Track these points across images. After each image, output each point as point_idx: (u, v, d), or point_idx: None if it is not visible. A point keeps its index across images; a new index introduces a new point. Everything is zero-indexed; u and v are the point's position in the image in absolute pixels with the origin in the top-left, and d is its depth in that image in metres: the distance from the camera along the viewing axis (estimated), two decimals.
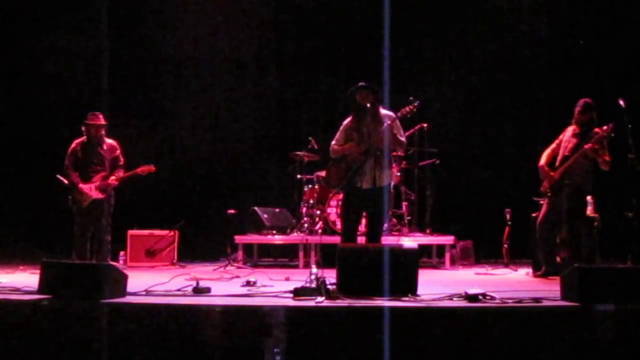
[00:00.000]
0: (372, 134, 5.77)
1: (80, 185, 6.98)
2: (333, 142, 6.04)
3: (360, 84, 5.89)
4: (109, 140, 7.21)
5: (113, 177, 7.05)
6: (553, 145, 6.74)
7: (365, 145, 5.76)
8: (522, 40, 9.43)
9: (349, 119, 6.03)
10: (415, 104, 5.81)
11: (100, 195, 7.01)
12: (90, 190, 6.99)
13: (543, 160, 6.73)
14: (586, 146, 6.27)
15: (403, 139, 6.02)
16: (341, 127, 6.05)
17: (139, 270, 7.25)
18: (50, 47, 9.24)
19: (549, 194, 6.63)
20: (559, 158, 6.59)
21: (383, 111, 5.92)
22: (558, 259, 6.65)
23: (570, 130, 6.63)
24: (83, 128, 7.10)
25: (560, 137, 6.70)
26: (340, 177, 5.92)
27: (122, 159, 7.24)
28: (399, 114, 5.86)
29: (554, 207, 6.59)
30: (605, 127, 6.25)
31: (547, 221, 6.65)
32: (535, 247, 6.86)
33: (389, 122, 5.79)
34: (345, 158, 5.91)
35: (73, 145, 7.15)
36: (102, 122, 7.10)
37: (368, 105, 5.83)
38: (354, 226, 6.00)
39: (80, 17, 9.29)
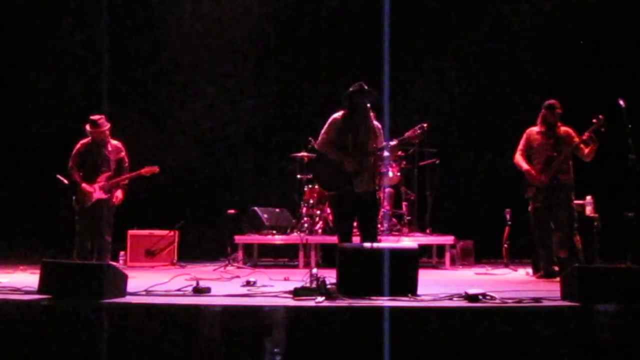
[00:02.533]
0: (366, 139, 5.70)
1: (83, 185, 6.97)
2: (323, 136, 5.82)
3: (363, 85, 5.77)
4: (114, 142, 7.20)
5: (114, 181, 7.04)
6: (521, 147, 6.73)
7: (366, 155, 5.70)
8: (522, 40, 9.43)
9: (339, 115, 5.83)
10: (422, 131, 5.82)
11: (104, 196, 7.01)
12: (94, 190, 6.99)
13: (526, 164, 6.67)
14: (585, 135, 6.30)
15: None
16: (330, 121, 5.83)
17: (139, 270, 7.25)
18: (50, 46, 9.25)
19: (540, 197, 6.58)
20: (539, 160, 6.58)
21: (375, 121, 5.89)
22: (555, 259, 6.65)
23: (534, 131, 6.69)
24: (88, 129, 7.07)
25: (524, 140, 6.72)
26: (334, 179, 5.87)
27: (127, 161, 7.24)
28: (402, 138, 5.80)
29: (546, 209, 6.57)
30: (595, 120, 6.29)
31: (541, 224, 6.62)
32: (535, 247, 6.86)
33: (388, 141, 5.77)
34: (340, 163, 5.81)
35: (78, 146, 7.13)
36: (106, 125, 7.07)
37: (368, 106, 5.80)
38: (348, 227, 5.94)
39: (80, 16, 9.31)
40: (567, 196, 6.55)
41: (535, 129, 6.71)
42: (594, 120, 6.31)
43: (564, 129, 6.63)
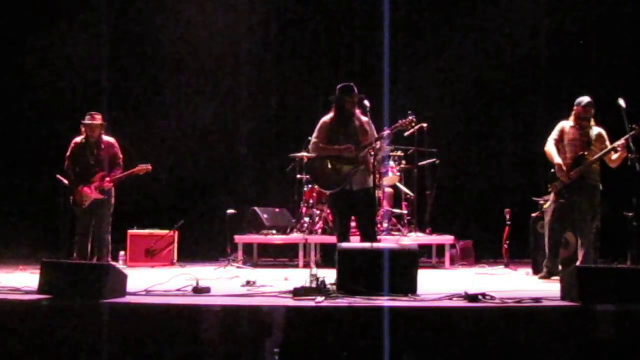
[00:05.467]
0: (356, 137, 5.80)
1: (81, 186, 6.97)
2: (315, 140, 5.98)
3: (350, 87, 5.90)
4: (106, 139, 7.19)
5: (108, 179, 7.04)
6: (555, 137, 6.50)
7: (364, 149, 5.75)
8: (522, 39, 9.42)
9: (328, 118, 6.00)
10: (411, 119, 5.85)
11: (100, 196, 7.01)
12: (91, 191, 6.99)
13: (558, 157, 6.42)
14: (620, 143, 6.09)
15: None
16: (320, 125, 6.01)
17: (139, 270, 7.25)
18: (50, 46, 9.23)
19: (565, 194, 6.40)
20: (568, 156, 6.38)
21: (362, 117, 5.97)
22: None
23: (568, 125, 6.46)
24: (82, 128, 7.10)
25: (559, 131, 6.49)
26: (331, 179, 5.89)
27: (120, 156, 7.23)
28: (394, 127, 5.92)
29: (568, 206, 6.41)
30: (637, 126, 6.02)
31: (558, 221, 6.50)
32: (538, 247, 6.83)
33: (376, 132, 5.88)
34: (337, 159, 5.86)
35: (72, 145, 7.13)
36: (99, 122, 7.07)
37: (355, 109, 5.89)
38: (346, 225, 5.97)
39: (80, 15, 9.30)
40: (592, 197, 6.35)
41: (569, 123, 6.46)
42: (635, 126, 5.99)
43: (597, 129, 6.38)
